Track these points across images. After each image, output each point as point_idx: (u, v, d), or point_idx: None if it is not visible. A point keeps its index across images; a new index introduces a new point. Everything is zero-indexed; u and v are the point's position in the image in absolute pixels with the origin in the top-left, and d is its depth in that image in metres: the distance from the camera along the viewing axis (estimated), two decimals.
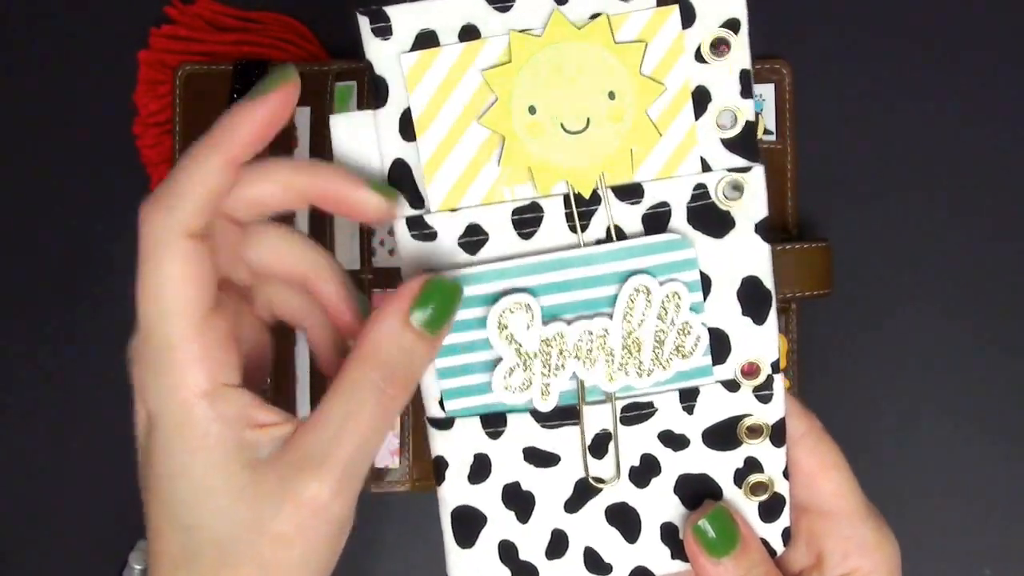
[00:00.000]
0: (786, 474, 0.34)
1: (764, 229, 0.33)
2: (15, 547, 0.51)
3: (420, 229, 0.32)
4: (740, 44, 0.32)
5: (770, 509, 0.34)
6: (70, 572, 0.51)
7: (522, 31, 0.31)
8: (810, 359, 0.50)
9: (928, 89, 0.50)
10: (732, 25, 0.31)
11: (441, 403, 0.34)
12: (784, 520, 0.34)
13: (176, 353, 0.29)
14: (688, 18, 0.31)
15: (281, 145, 0.48)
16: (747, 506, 0.34)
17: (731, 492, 0.34)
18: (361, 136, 0.32)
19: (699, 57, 0.32)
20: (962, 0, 0.51)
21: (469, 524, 0.34)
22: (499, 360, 0.33)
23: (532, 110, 0.31)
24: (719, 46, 0.32)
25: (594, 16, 0.31)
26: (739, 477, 0.34)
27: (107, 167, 0.51)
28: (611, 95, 0.31)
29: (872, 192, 0.50)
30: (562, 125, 0.32)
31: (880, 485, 0.50)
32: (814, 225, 0.50)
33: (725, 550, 0.33)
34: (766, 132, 0.49)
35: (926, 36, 0.51)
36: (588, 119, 0.32)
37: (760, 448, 0.34)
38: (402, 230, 0.32)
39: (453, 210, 0.32)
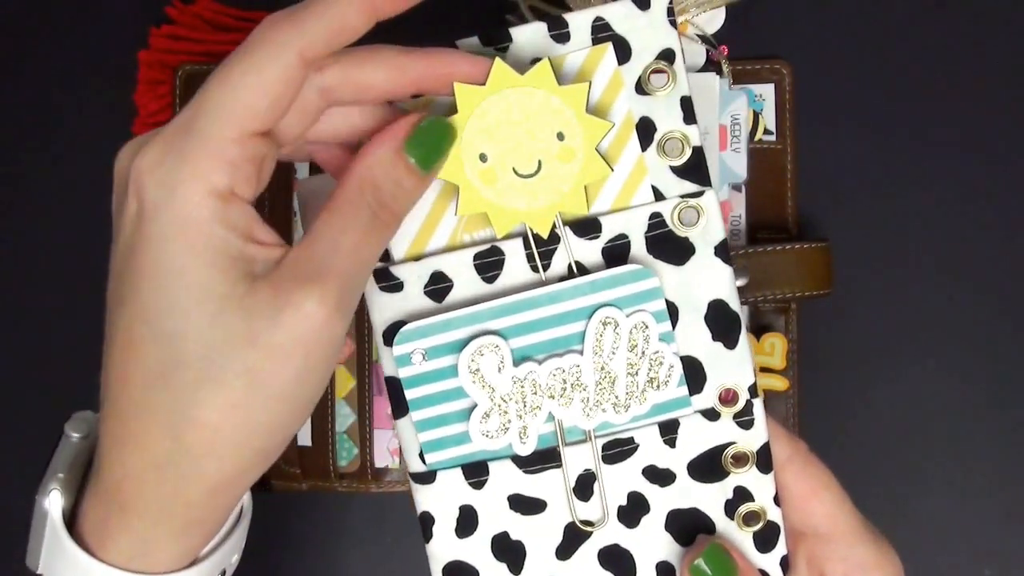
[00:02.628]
0: (777, 501, 0.34)
1: (724, 251, 0.33)
2: None
3: (387, 280, 0.33)
4: (678, 73, 0.32)
5: (765, 539, 0.34)
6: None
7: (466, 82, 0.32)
8: (810, 359, 0.49)
9: (928, 89, 0.51)
10: (667, 56, 0.32)
11: (422, 456, 0.34)
12: (780, 548, 0.34)
13: (211, 145, 0.28)
14: (624, 54, 0.32)
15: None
16: (742, 537, 0.34)
17: (724, 524, 0.34)
18: (326, 196, 0.33)
19: (639, 89, 0.32)
20: (962, 0, 0.51)
21: None
22: (475, 407, 0.33)
23: (483, 158, 0.32)
24: (658, 76, 0.32)
25: (534, 61, 0.32)
26: (730, 508, 0.34)
27: (107, 167, 0.52)
28: (560, 136, 0.32)
29: (872, 192, 0.50)
30: (514, 169, 0.32)
31: (880, 485, 0.50)
32: (814, 225, 0.50)
33: None
34: (766, 132, 0.49)
35: (926, 36, 0.51)
36: (539, 161, 0.32)
37: (748, 476, 0.33)
38: (370, 283, 0.33)
39: (417, 258, 0.33)
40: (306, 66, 0.29)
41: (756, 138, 0.49)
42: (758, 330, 0.49)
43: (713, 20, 0.48)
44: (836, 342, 0.50)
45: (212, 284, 0.28)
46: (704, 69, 0.48)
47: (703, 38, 0.48)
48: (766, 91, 0.49)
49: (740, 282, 0.46)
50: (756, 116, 0.49)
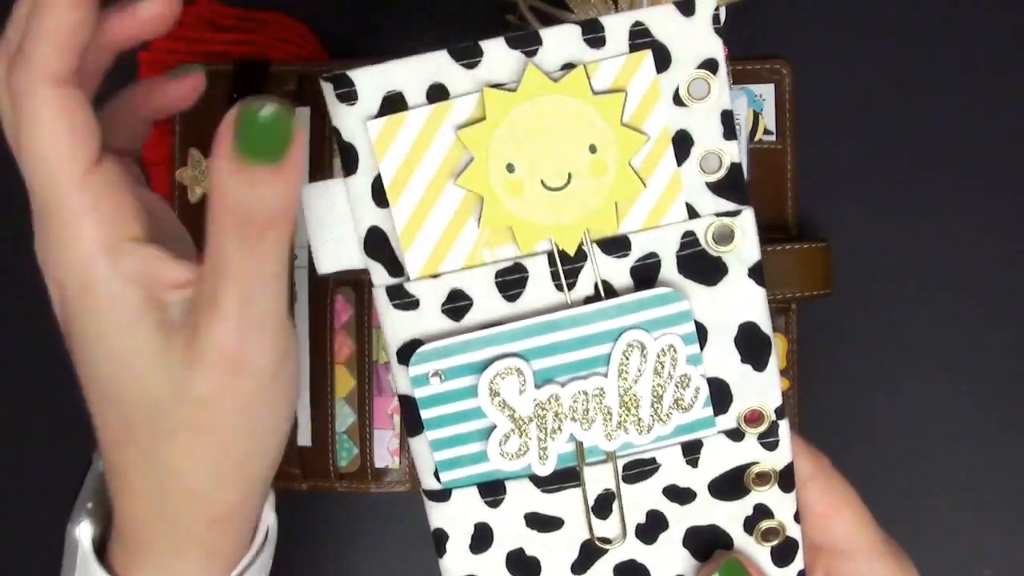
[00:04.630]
0: (797, 518, 0.33)
1: (758, 273, 0.32)
2: None
3: (401, 298, 0.31)
4: (719, 85, 0.31)
5: (783, 554, 0.33)
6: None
7: (494, 86, 0.30)
8: (810, 359, 0.49)
9: (928, 89, 0.50)
10: (710, 66, 0.31)
11: (436, 475, 0.32)
12: (798, 563, 0.33)
13: (64, 209, 0.27)
14: (663, 62, 0.30)
15: None
16: (759, 552, 0.33)
17: (742, 539, 0.33)
18: (335, 205, 0.31)
19: (677, 100, 0.31)
20: (962, 0, 0.51)
21: None
22: (493, 428, 0.31)
23: (511, 168, 0.30)
24: (699, 88, 0.31)
25: (566, 66, 0.30)
26: (749, 524, 0.33)
27: None
28: (592, 148, 0.30)
29: (872, 192, 0.50)
30: (542, 182, 0.30)
31: (880, 485, 0.50)
32: (814, 225, 0.50)
33: None
34: (766, 132, 0.49)
35: (926, 36, 0.51)
36: (569, 174, 0.30)
37: (769, 495, 0.33)
38: (383, 299, 0.31)
39: (434, 276, 0.31)
40: (70, 85, 0.28)
41: (756, 138, 0.49)
42: None
43: None
44: (836, 342, 0.50)
45: (128, 345, 0.27)
46: None
47: None
48: (766, 91, 0.49)
49: None
50: (756, 116, 0.48)
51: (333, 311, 0.49)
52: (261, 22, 0.50)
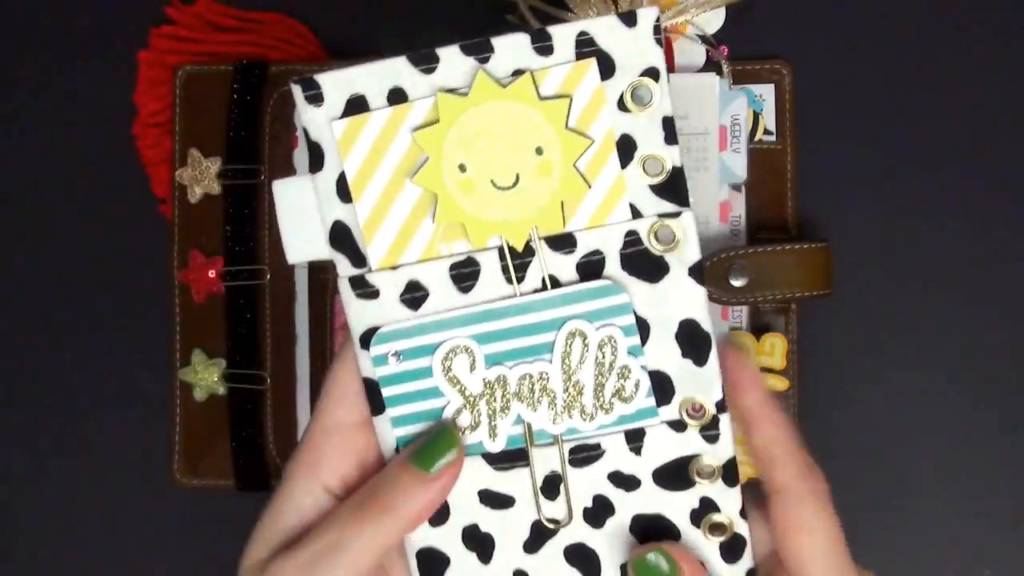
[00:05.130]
0: (743, 514, 0.34)
1: (698, 272, 0.33)
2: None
3: (363, 288, 0.34)
4: (661, 92, 0.32)
5: (732, 549, 0.35)
6: None
7: (449, 91, 0.32)
8: (810, 359, 0.50)
9: (928, 89, 0.51)
10: (652, 73, 0.32)
11: (397, 451, 0.35)
12: (747, 561, 0.35)
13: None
14: (607, 69, 0.32)
15: (282, 145, 0.50)
16: (708, 546, 0.35)
17: (689, 532, 0.35)
18: (303, 200, 0.34)
19: (622, 106, 0.32)
20: (962, 0, 0.51)
21: (434, 565, 0.35)
22: (447, 405, 0.34)
23: (463, 168, 0.32)
24: (641, 94, 0.32)
25: (516, 72, 0.32)
26: (696, 517, 0.34)
27: (107, 167, 0.52)
28: (539, 150, 0.32)
29: (872, 192, 0.51)
30: (492, 181, 0.33)
31: (880, 485, 0.50)
32: (814, 225, 0.51)
33: None
34: (766, 132, 0.49)
35: (927, 36, 0.51)
36: (517, 175, 0.32)
37: (713, 488, 0.34)
38: (346, 290, 0.34)
39: (393, 268, 0.33)
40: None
41: (756, 138, 0.49)
42: (758, 330, 0.49)
43: (713, 20, 0.48)
44: (836, 342, 0.51)
45: None
46: (704, 69, 0.48)
47: (703, 38, 0.47)
48: (766, 91, 0.49)
49: (740, 282, 0.46)
50: (756, 116, 0.49)
51: (333, 311, 0.50)
52: (261, 22, 0.51)
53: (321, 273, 0.49)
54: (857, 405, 0.51)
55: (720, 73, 0.48)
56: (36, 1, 0.53)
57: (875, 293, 0.51)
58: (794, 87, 0.49)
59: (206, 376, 0.50)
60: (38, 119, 0.53)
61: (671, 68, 0.48)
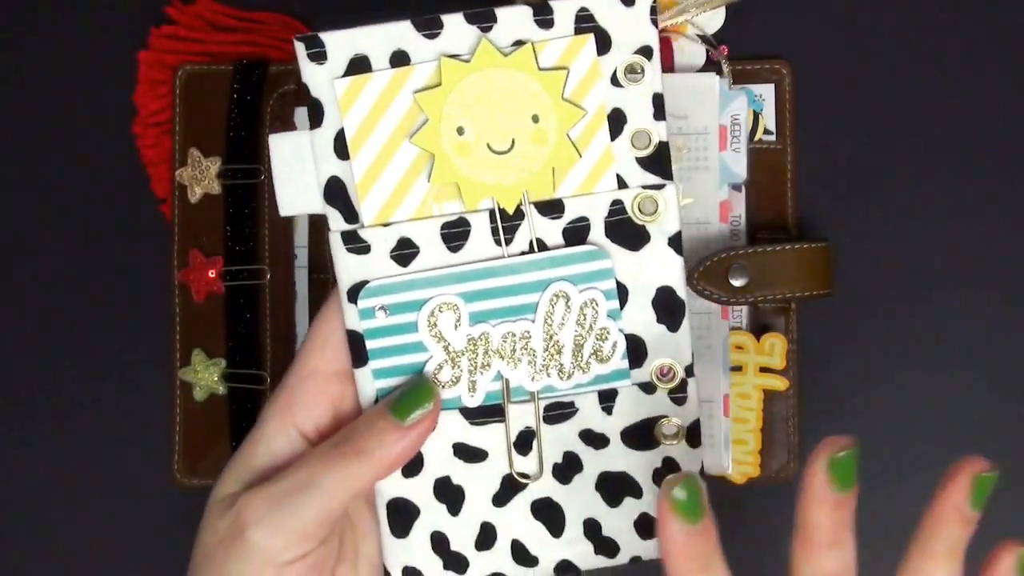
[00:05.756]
0: (702, 475, 0.36)
1: (677, 243, 0.35)
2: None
3: (355, 243, 0.35)
4: (653, 69, 0.34)
5: None
6: None
7: (451, 56, 0.34)
8: (810, 359, 0.50)
9: (929, 88, 0.51)
10: (645, 52, 0.34)
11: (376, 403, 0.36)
12: None
13: (309, 513, 0.33)
14: (604, 45, 0.34)
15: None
16: None
17: (651, 491, 0.36)
18: (299, 155, 0.35)
19: (615, 81, 0.34)
20: (963, 0, 0.51)
21: (403, 515, 0.36)
22: (429, 359, 0.35)
23: (460, 131, 0.34)
24: (634, 71, 0.34)
25: (517, 43, 0.34)
26: (658, 476, 0.36)
27: (107, 167, 0.52)
28: (535, 118, 0.34)
29: (872, 192, 0.51)
30: (488, 145, 0.34)
31: (880, 485, 0.50)
32: (814, 225, 0.50)
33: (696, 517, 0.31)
34: (766, 132, 0.50)
35: (927, 36, 0.51)
36: (513, 140, 0.34)
37: (677, 449, 0.36)
38: (337, 243, 0.35)
39: (385, 225, 0.35)
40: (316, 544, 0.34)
41: (756, 138, 0.50)
42: (758, 330, 0.49)
43: (713, 20, 0.49)
44: (836, 342, 0.50)
45: None
46: (704, 69, 0.49)
47: (703, 38, 0.49)
48: (766, 91, 0.50)
49: (740, 282, 0.47)
50: (756, 116, 0.50)
51: None
52: (261, 22, 0.51)
53: (321, 273, 0.50)
54: (857, 405, 0.50)
55: (720, 73, 0.48)
56: (36, 1, 0.53)
57: (875, 293, 0.50)
58: (794, 87, 0.50)
59: (206, 376, 0.49)
60: (38, 119, 0.52)
61: (671, 68, 0.49)
